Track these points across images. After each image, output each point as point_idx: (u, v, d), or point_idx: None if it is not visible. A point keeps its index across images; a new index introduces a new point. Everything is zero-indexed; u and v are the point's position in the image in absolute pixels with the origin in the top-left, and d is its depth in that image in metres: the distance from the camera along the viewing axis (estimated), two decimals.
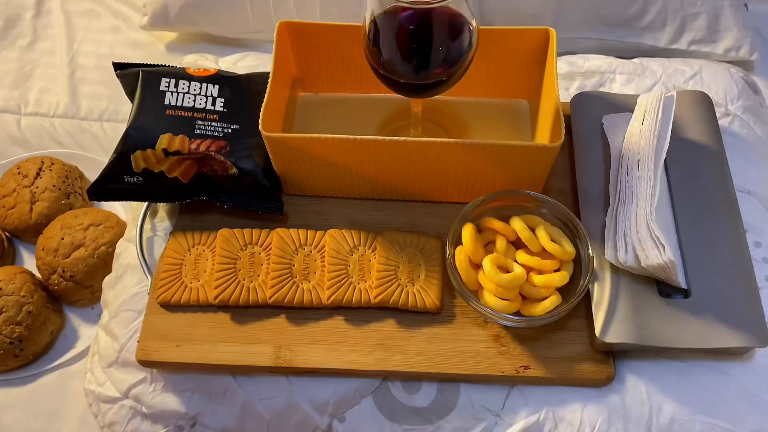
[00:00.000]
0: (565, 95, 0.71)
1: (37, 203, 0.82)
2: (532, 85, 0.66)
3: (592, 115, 0.63)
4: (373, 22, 0.51)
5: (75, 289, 0.78)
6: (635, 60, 0.74)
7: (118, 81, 0.67)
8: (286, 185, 0.63)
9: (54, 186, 0.83)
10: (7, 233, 0.84)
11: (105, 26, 1.00)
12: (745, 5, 0.96)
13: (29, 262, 0.83)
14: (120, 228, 0.80)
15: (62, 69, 0.96)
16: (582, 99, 0.65)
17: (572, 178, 0.63)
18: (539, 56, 0.63)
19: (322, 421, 0.57)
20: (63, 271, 0.77)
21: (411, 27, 0.52)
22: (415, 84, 0.54)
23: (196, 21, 0.91)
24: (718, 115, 0.66)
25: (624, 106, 0.63)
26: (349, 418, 0.57)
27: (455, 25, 0.51)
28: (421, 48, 0.53)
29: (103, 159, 0.88)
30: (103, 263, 0.77)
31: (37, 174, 0.84)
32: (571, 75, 0.73)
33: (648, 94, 0.60)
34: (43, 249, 0.78)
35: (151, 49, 0.96)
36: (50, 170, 0.84)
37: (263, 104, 0.57)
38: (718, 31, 0.87)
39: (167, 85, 0.61)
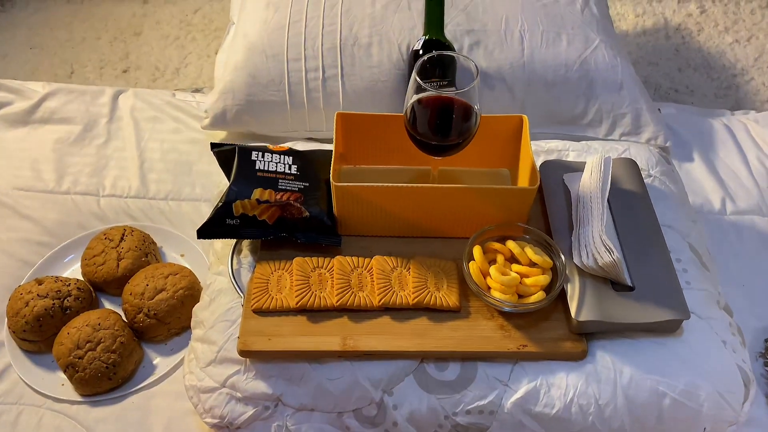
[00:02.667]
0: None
1: (123, 260, 1.02)
2: (511, 158, 0.92)
3: (556, 174, 0.90)
4: (412, 106, 0.78)
5: (156, 326, 0.96)
6: (582, 142, 1.02)
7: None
8: (341, 227, 0.86)
9: (136, 247, 1.04)
10: (92, 287, 1.03)
11: (167, 128, 1.25)
12: (659, 110, 1.29)
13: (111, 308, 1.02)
14: (192, 277, 1.00)
15: (133, 161, 1.20)
16: (548, 164, 0.92)
17: (545, 216, 0.88)
18: (516, 136, 0.90)
19: (376, 394, 0.76)
20: (148, 311, 0.96)
21: (437, 109, 0.78)
22: (440, 145, 0.80)
23: (247, 123, 1.18)
24: (643, 175, 0.93)
25: (577, 167, 0.90)
26: (396, 392, 0.77)
27: (467, 108, 0.78)
28: (444, 122, 0.79)
29: (170, 229, 1.10)
30: (181, 303, 0.97)
31: (122, 238, 1.04)
32: (537, 152, 1.00)
33: (594, 156, 0.88)
34: (130, 294, 0.97)
35: (206, 145, 1.21)
36: (131, 235, 1.05)
37: (331, 165, 0.82)
38: (640, 126, 1.17)
39: (257, 155, 0.86)
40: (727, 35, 1.62)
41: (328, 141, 0.95)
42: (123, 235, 1.05)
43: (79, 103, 1.27)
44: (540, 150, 1.01)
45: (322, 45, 1.15)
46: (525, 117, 0.89)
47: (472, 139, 0.81)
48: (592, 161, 0.87)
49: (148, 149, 1.22)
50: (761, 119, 1.27)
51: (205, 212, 1.10)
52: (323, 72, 1.15)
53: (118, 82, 1.51)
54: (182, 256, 1.08)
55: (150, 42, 1.58)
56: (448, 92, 0.77)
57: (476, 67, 0.78)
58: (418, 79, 0.76)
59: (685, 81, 1.51)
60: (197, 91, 1.38)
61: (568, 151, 1.01)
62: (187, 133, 1.24)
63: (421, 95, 0.78)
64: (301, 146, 1.04)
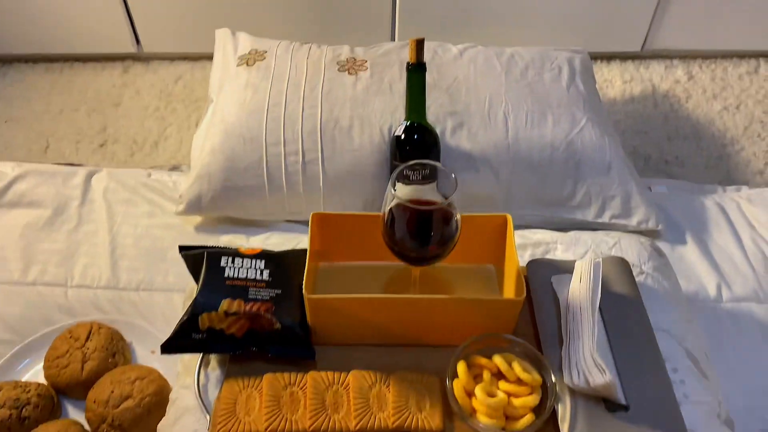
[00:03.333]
0: (521, 260, 0.93)
1: (88, 362, 0.96)
2: (497, 254, 0.88)
3: (543, 276, 0.85)
4: (390, 213, 0.74)
5: None
6: (570, 233, 0.98)
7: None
8: (316, 336, 0.81)
9: (103, 346, 0.98)
10: (55, 391, 0.96)
11: (141, 212, 1.20)
12: (649, 188, 1.26)
13: (74, 415, 0.95)
14: (161, 381, 0.94)
15: (104, 247, 1.14)
16: (535, 264, 0.88)
17: (533, 323, 0.83)
18: (501, 233, 0.86)
19: None
20: (112, 420, 0.89)
21: (416, 218, 0.74)
22: (419, 257, 0.76)
23: (224, 208, 1.13)
24: (634, 273, 0.89)
25: (566, 268, 0.86)
26: None
27: (447, 216, 0.74)
28: (422, 233, 0.75)
29: (141, 323, 1.04)
30: (147, 412, 0.90)
31: (88, 337, 0.99)
32: (524, 245, 0.96)
33: (582, 261, 0.83)
34: (94, 401, 0.91)
35: (182, 230, 1.17)
36: (99, 333, 0.99)
37: (305, 275, 0.77)
38: (630, 208, 1.13)
39: (226, 261, 0.81)
40: (716, 102, 1.60)
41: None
42: (90, 333, 0.99)
43: (50, 186, 1.22)
44: (527, 243, 0.97)
45: (302, 128, 1.12)
46: (509, 217, 0.85)
47: (453, 248, 0.76)
48: (581, 266, 0.82)
49: (120, 234, 1.17)
50: (754, 196, 1.24)
51: (177, 304, 1.05)
52: (303, 156, 1.11)
53: (94, 157, 1.47)
54: (153, 352, 1.02)
55: (129, 113, 1.55)
56: (427, 207, 0.73)
57: (455, 179, 0.74)
58: (393, 191, 0.72)
59: (674, 151, 1.49)
60: (175, 168, 1.34)
61: (556, 244, 0.96)
62: (161, 217, 1.19)
63: (397, 203, 0.73)
64: (278, 236, 1.00)
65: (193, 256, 0.83)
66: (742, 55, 1.71)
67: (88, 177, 1.25)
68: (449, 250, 0.76)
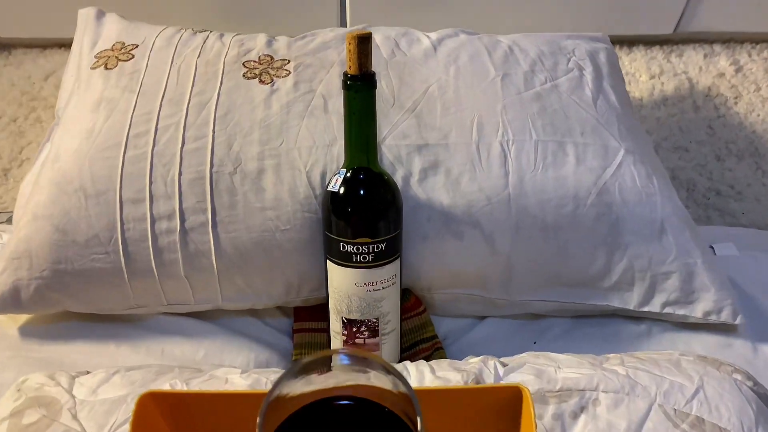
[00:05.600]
0: (541, 423, 0.54)
1: None
2: None
3: None
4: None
5: None
6: (619, 370, 0.58)
7: None
8: None
9: None
10: None
11: None
12: (711, 247, 0.86)
13: None
14: None
15: None
16: None
17: None
18: (511, 410, 0.46)
19: None
20: None
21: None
22: None
23: (59, 302, 0.71)
24: None
25: None
26: None
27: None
28: None
29: None
30: None
31: None
32: (543, 396, 0.56)
33: None
34: None
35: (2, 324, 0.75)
36: None
37: None
38: (693, 291, 0.74)
39: None
40: None
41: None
42: None
43: None
44: (547, 390, 0.57)
45: (180, 174, 0.70)
46: (525, 390, 0.45)
47: None
48: None
49: None
50: None
51: None
52: (182, 219, 0.70)
53: None
54: None
55: None
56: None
57: (416, 404, 0.33)
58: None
59: (727, 176, 1.09)
60: None
61: (597, 391, 0.56)
62: None
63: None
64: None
65: None
66: None
67: None
68: None
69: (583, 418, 0.55)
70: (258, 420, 0.33)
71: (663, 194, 0.76)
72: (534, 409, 0.44)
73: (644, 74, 1.26)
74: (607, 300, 0.75)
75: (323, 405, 0.36)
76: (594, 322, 0.78)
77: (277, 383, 0.33)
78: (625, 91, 0.89)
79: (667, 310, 0.75)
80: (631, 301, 0.75)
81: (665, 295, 0.74)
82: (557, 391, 0.56)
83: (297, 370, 0.33)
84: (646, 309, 0.75)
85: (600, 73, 0.85)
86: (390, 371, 0.32)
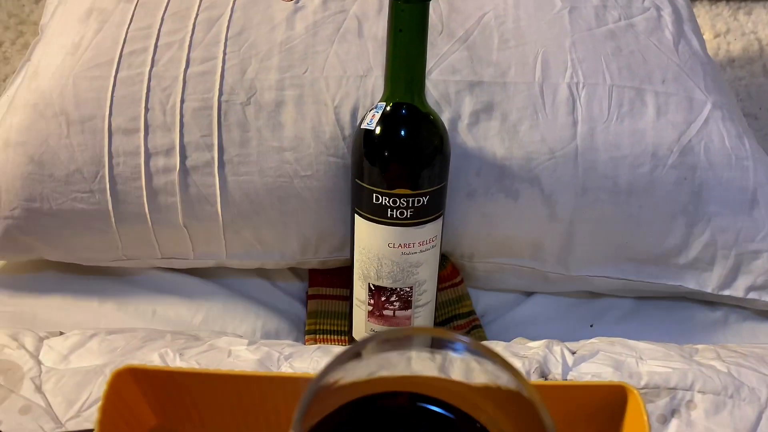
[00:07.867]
0: None
1: None
2: None
3: None
4: None
5: None
6: (717, 365, 0.47)
7: None
8: None
9: None
10: None
11: None
12: None
13: None
14: None
15: None
16: None
17: None
18: (608, 415, 0.35)
19: None
20: None
21: None
22: None
23: (33, 248, 0.60)
24: None
25: None
26: None
27: None
28: None
29: None
30: None
31: None
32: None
33: None
34: None
35: None
36: None
37: None
38: None
39: None
40: None
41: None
42: None
43: None
44: (633, 379, 0.45)
45: (182, 101, 0.58)
46: (632, 390, 0.33)
47: None
48: None
49: None
50: None
51: None
52: (183, 156, 0.58)
53: None
54: None
55: None
56: None
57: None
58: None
59: None
60: None
61: (692, 391, 0.45)
62: None
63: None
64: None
65: None
66: None
67: None
68: None
69: (674, 423, 0.43)
70: (295, 414, 0.21)
71: (756, 159, 0.63)
72: (647, 413, 0.32)
73: (708, 32, 1.12)
74: (682, 280, 0.64)
75: (377, 402, 0.24)
76: (660, 304, 0.67)
77: (331, 366, 0.21)
78: (703, 42, 0.76)
79: (752, 295, 0.63)
80: (709, 282, 0.63)
81: (751, 278, 0.63)
82: (642, 389, 0.45)
83: (362, 349, 0.21)
84: (726, 293, 0.63)
85: (680, 16, 0.72)
86: (521, 381, 0.21)
